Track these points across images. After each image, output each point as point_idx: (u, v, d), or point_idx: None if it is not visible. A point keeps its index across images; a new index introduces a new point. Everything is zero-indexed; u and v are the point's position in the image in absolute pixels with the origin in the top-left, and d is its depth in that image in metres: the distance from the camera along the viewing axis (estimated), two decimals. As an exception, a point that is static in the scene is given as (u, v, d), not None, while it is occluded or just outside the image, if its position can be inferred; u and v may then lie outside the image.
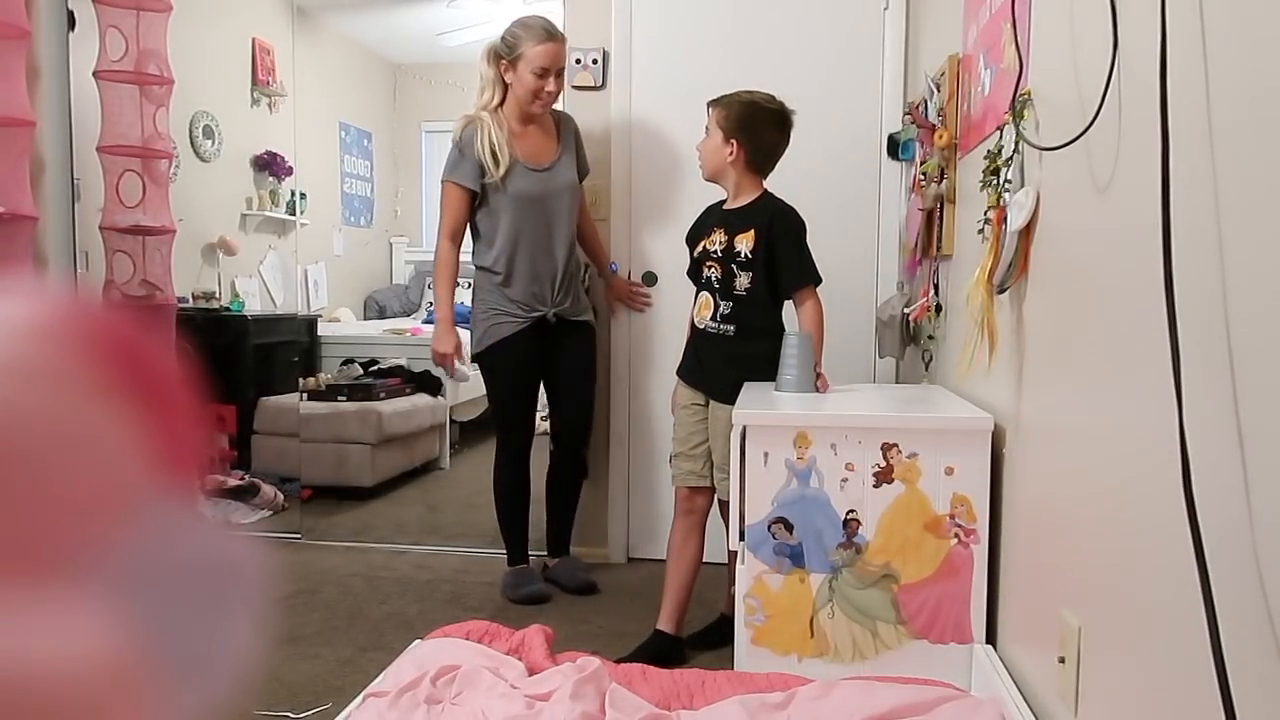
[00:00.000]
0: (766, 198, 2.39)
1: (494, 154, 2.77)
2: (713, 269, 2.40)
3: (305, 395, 4.24)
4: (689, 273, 2.54)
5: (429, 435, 4.61)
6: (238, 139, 4.73)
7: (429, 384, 4.54)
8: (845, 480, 1.90)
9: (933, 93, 2.57)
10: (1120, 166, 1.26)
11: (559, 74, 2.80)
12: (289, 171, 4.92)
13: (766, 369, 2.27)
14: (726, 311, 2.38)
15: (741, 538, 1.96)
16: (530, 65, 2.74)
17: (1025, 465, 1.72)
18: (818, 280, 2.37)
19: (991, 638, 1.88)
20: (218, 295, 4.50)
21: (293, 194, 4.98)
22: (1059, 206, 1.53)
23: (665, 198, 3.21)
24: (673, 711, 1.70)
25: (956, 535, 1.86)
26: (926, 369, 2.63)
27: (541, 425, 3.19)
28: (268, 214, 4.88)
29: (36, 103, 3.27)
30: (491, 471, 2.98)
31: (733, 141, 2.34)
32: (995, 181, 1.77)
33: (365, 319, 5.68)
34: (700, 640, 2.51)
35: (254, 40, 4.77)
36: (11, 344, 0.29)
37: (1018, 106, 1.66)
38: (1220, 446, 0.95)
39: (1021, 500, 1.74)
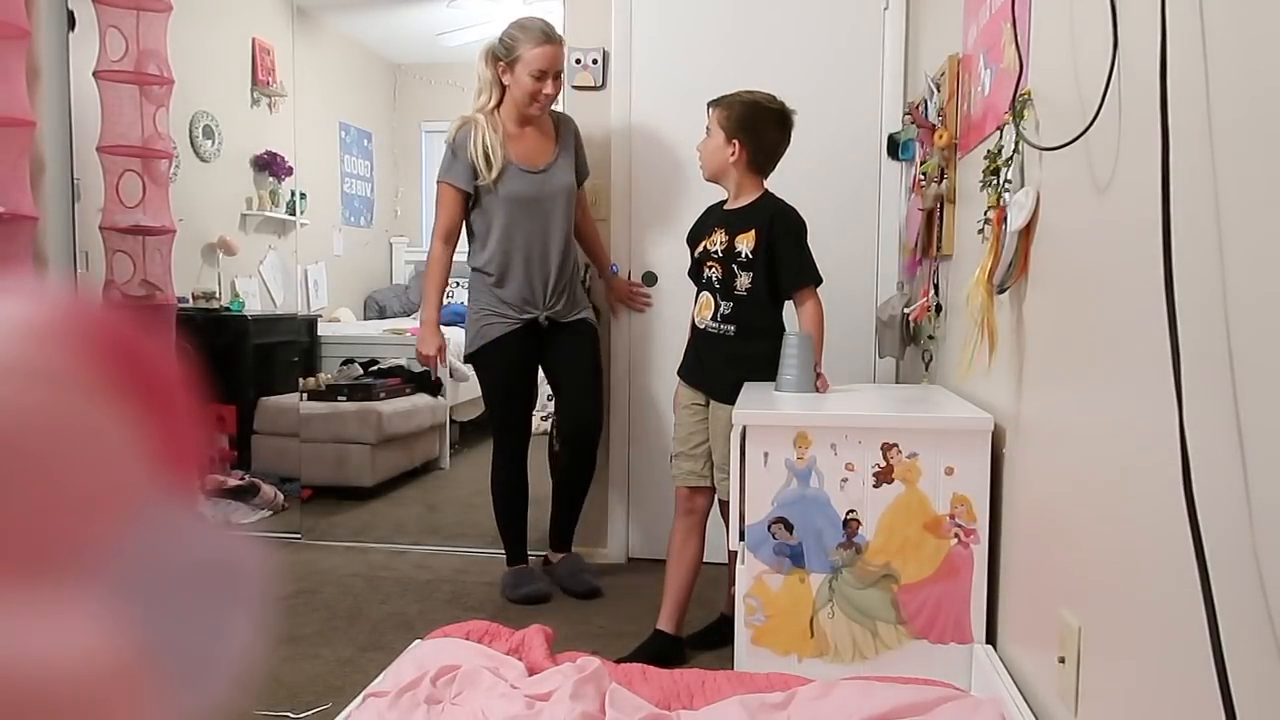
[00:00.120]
0: (767, 198, 2.39)
1: (486, 156, 2.77)
2: (713, 269, 2.40)
3: (305, 395, 4.24)
4: (690, 273, 2.54)
5: (429, 435, 4.61)
6: (238, 139, 4.73)
7: (429, 384, 4.54)
8: (845, 480, 1.90)
9: (933, 93, 2.57)
10: (1120, 166, 1.26)
11: (557, 76, 2.80)
12: (289, 171, 4.92)
13: (767, 369, 2.27)
14: (727, 311, 2.38)
15: (741, 538, 1.96)
16: (528, 68, 2.73)
17: (1025, 465, 1.72)
18: (818, 280, 2.37)
19: (991, 638, 1.88)
20: (218, 295, 4.50)
21: (293, 194, 4.98)
22: (1059, 206, 1.53)
23: (665, 198, 3.21)
24: (673, 711, 1.70)
25: (956, 535, 1.86)
26: (926, 369, 2.63)
27: (541, 425, 3.20)
28: (268, 214, 4.88)
29: (36, 103, 3.27)
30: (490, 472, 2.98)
31: (734, 142, 2.34)
32: (995, 181, 1.77)
33: (365, 319, 5.69)
34: (700, 640, 2.51)
35: (254, 40, 4.77)
36: (11, 344, 0.29)
37: (1018, 106, 1.66)
38: (1220, 446, 0.95)
39: (1021, 500, 1.74)
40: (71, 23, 3.49)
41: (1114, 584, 1.27)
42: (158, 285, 3.61)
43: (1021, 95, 1.66)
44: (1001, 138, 1.79)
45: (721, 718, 1.65)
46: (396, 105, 6.05)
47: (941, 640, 1.88)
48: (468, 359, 2.95)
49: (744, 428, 1.94)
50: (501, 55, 2.78)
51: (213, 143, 4.59)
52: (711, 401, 2.40)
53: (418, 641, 1.98)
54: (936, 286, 2.51)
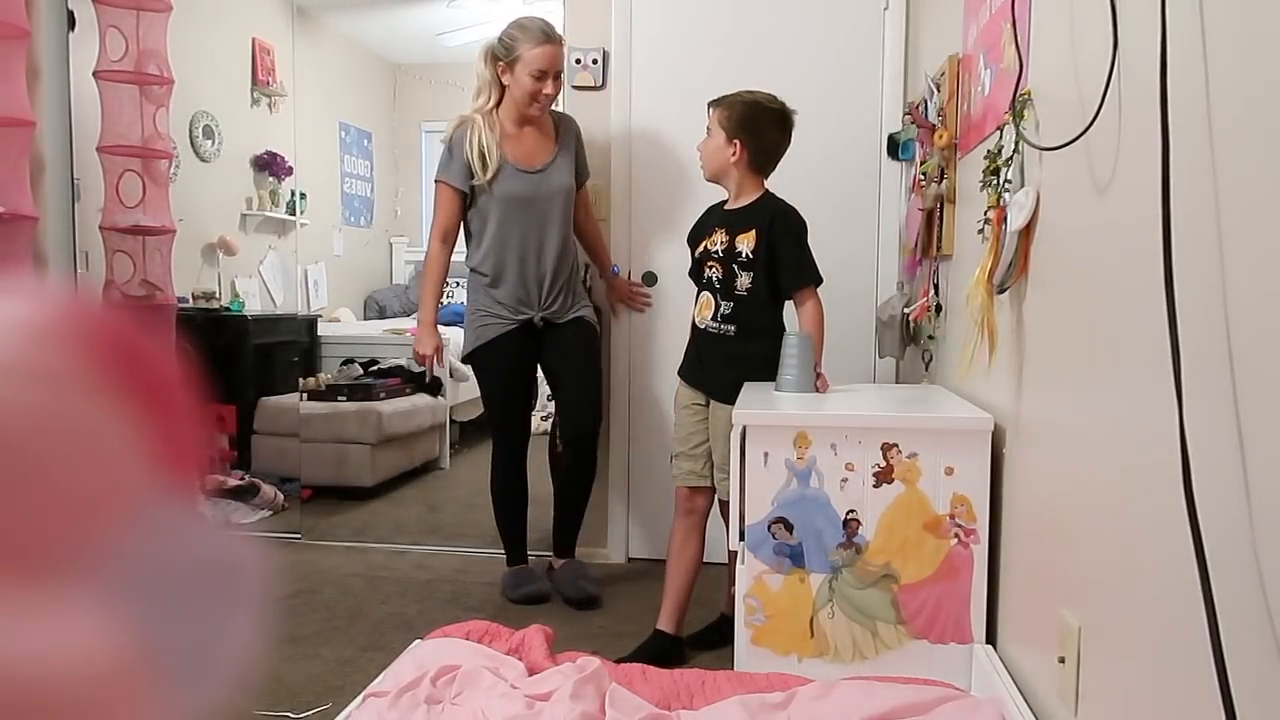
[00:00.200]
0: (768, 198, 2.39)
1: (482, 156, 2.75)
2: (714, 269, 2.40)
3: (305, 395, 4.24)
4: (690, 273, 2.54)
5: (429, 435, 4.61)
6: (238, 139, 4.73)
7: (429, 384, 4.54)
8: (845, 480, 1.90)
9: (933, 93, 2.57)
10: (1120, 166, 1.26)
11: (557, 76, 2.78)
12: (289, 171, 4.92)
13: (767, 369, 2.27)
14: (727, 311, 2.38)
15: (741, 538, 1.96)
16: (528, 68, 2.72)
17: (1025, 465, 1.72)
18: (818, 280, 2.37)
19: (991, 638, 1.88)
20: (218, 295, 4.50)
21: (293, 194, 4.98)
22: (1059, 206, 1.53)
23: (665, 198, 3.21)
24: (673, 711, 1.70)
25: (956, 535, 1.86)
26: (926, 369, 2.63)
27: (541, 425, 3.19)
28: (268, 214, 4.88)
29: (36, 103, 3.27)
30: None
31: (735, 142, 2.34)
32: (995, 181, 1.77)
33: (365, 319, 5.69)
34: (700, 640, 2.51)
35: (254, 40, 4.77)
36: (11, 344, 0.29)
37: (1018, 106, 1.66)
38: (1220, 446, 0.95)
39: (1021, 500, 1.74)
40: (71, 23, 3.49)
41: (1114, 584, 1.27)
42: (158, 285, 3.61)
43: (1021, 95, 1.66)
44: (1001, 138, 1.79)
45: (721, 718, 1.65)
46: (396, 105, 6.05)
47: (941, 640, 1.88)
48: (465, 359, 2.94)
49: (744, 428, 1.94)
50: (501, 55, 2.76)
51: (213, 143, 4.59)
52: (711, 401, 2.40)
53: (418, 641, 1.98)
54: (936, 286, 2.51)
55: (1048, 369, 1.60)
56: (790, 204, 2.39)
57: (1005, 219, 1.70)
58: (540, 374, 3.03)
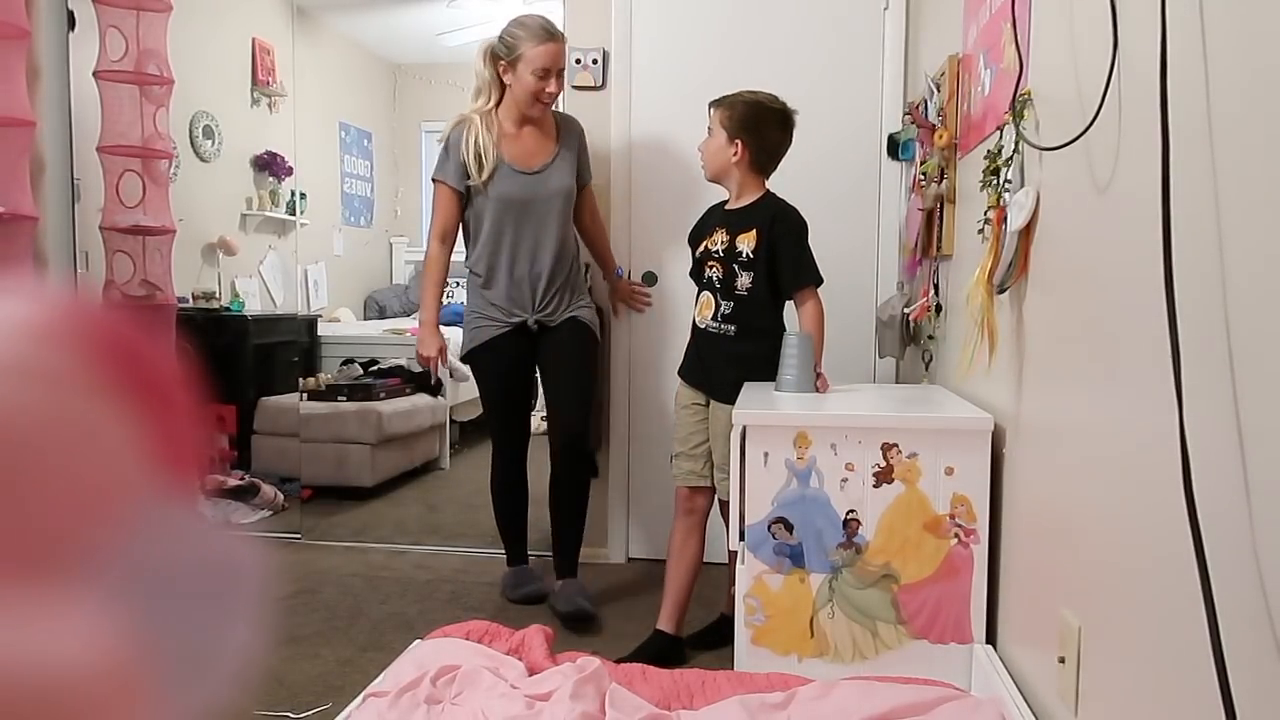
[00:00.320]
0: (769, 198, 2.39)
1: (478, 156, 2.72)
2: (714, 269, 2.40)
3: (305, 395, 4.24)
4: (691, 273, 2.54)
5: (429, 435, 4.61)
6: (238, 139, 4.73)
7: (429, 384, 4.54)
8: (845, 480, 1.90)
9: (933, 93, 2.57)
10: (1120, 166, 1.26)
11: (559, 74, 2.75)
12: (289, 171, 4.92)
13: (767, 369, 2.27)
14: (728, 311, 2.38)
15: (741, 538, 1.96)
16: (530, 66, 2.68)
17: (1025, 465, 1.72)
18: (819, 281, 2.37)
19: (991, 638, 1.88)
20: (218, 295, 4.50)
21: (293, 194, 4.98)
22: (1059, 206, 1.53)
23: (665, 198, 3.21)
24: (673, 711, 1.70)
25: (956, 535, 1.86)
26: (926, 369, 2.63)
27: (541, 425, 3.19)
28: (268, 214, 4.88)
29: (36, 103, 3.27)
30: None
31: (737, 142, 2.34)
32: (995, 181, 1.77)
33: (365, 319, 5.69)
34: (700, 640, 2.51)
35: (254, 40, 4.77)
36: (11, 344, 0.29)
37: (1018, 106, 1.66)
38: (1220, 446, 0.95)
39: (1021, 500, 1.74)
40: (71, 23, 3.50)
41: (1114, 584, 1.27)
42: (158, 285, 3.61)
43: (1021, 95, 1.66)
44: (1001, 138, 1.79)
45: (721, 718, 1.65)
46: (396, 105, 6.05)
47: (941, 640, 1.88)
48: (463, 359, 2.93)
49: (744, 428, 1.94)
50: (503, 54, 2.73)
51: (213, 143, 4.59)
52: (711, 401, 2.40)
53: (418, 641, 1.98)
54: (936, 286, 2.51)
55: (1048, 369, 1.60)
56: (791, 204, 2.39)
57: (1005, 219, 1.70)
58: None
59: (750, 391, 2.18)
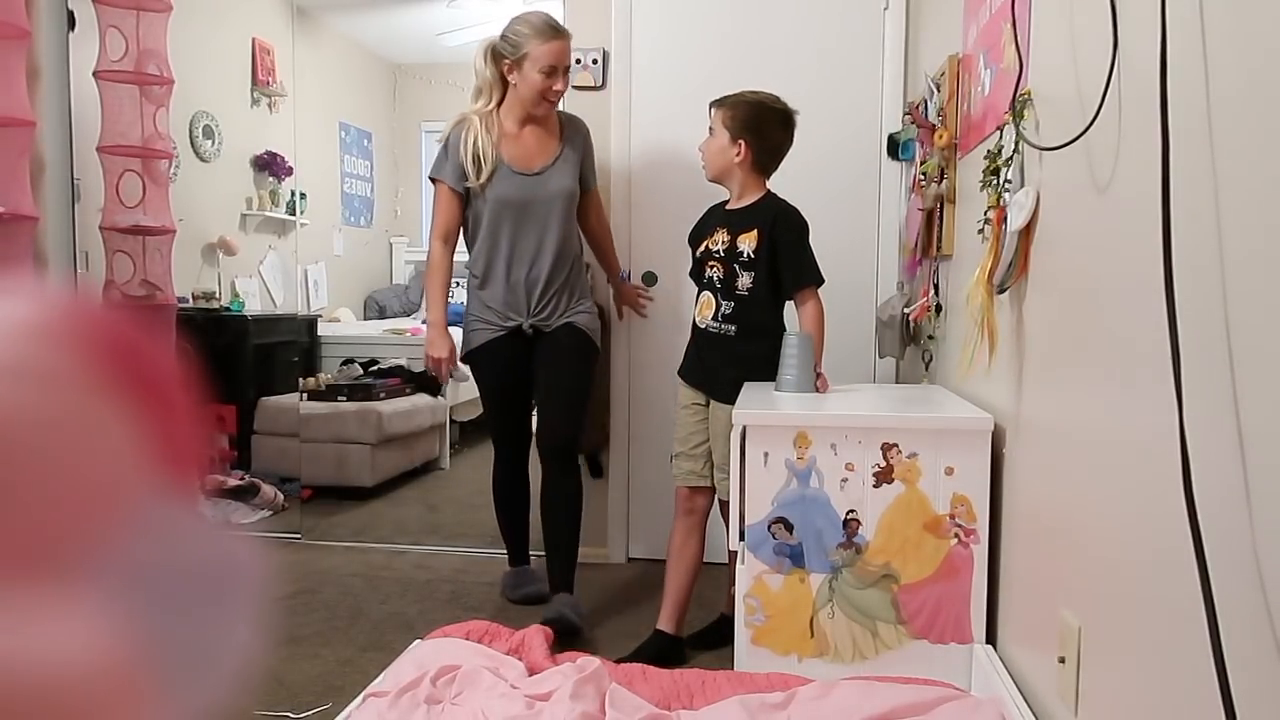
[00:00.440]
0: (770, 198, 2.40)
1: (476, 158, 2.65)
2: (715, 269, 2.40)
3: (305, 395, 4.24)
4: (691, 273, 2.54)
5: (429, 435, 4.61)
6: (238, 139, 4.73)
7: (429, 384, 4.54)
8: (845, 480, 1.90)
9: (933, 93, 2.57)
10: (1120, 166, 1.26)
11: (566, 72, 2.70)
12: (289, 171, 4.92)
13: (767, 369, 2.27)
14: (728, 311, 2.38)
15: (741, 538, 1.96)
16: (537, 64, 2.62)
17: (1025, 465, 1.72)
18: (820, 281, 2.37)
19: (991, 638, 1.88)
20: (218, 295, 4.50)
21: (293, 194, 4.98)
22: (1059, 206, 1.53)
23: (665, 197, 3.21)
24: (673, 711, 1.70)
25: (956, 535, 1.86)
26: (926, 369, 2.63)
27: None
28: (268, 214, 4.88)
29: (36, 103, 3.27)
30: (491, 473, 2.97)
31: (740, 142, 2.34)
32: (995, 181, 1.77)
33: (365, 319, 5.69)
34: (700, 640, 2.51)
35: (254, 40, 4.77)
36: (12, 344, 0.29)
37: (1018, 106, 1.66)
38: (1220, 446, 0.95)
39: (1021, 500, 1.74)
40: (71, 23, 3.50)
41: (1114, 584, 1.27)
42: (158, 285, 3.61)
43: (1021, 95, 1.66)
44: (1001, 138, 1.79)
45: (721, 718, 1.65)
46: (396, 105, 6.05)
47: (941, 640, 1.88)
48: (463, 360, 2.91)
49: (744, 428, 1.94)
50: (507, 52, 2.66)
51: (213, 143, 4.59)
52: (711, 401, 2.40)
53: (418, 641, 1.98)
54: (936, 286, 2.51)
55: (1048, 369, 1.60)
56: (792, 204, 2.39)
57: (1005, 219, 1.70)
58: None
59: (750, 391, 2.18)
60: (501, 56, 2.68)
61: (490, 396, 2.87)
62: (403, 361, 4.63)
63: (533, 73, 2.63)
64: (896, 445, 1.88)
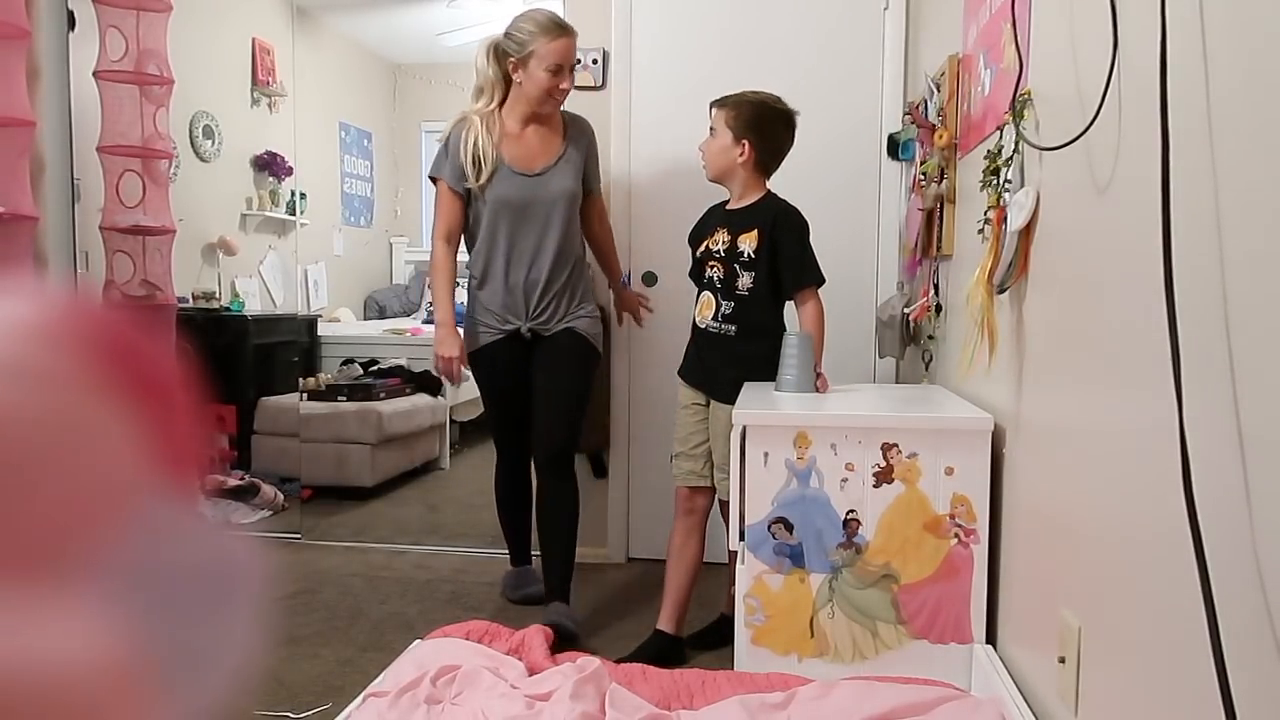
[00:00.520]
0: (770, 198, 2.40)
1: (476, 158, 2.59)
2: (715, 269, 2.40)
3: (305, 395, 4.24)
4: (691, 273, 2.54)
5: (429, 435, 4.61)
6: (238, 139, 4.73)
7: (429, 384, 4.54)
8: (845, 480, 1.90)
9: (933, 93, 2.57)
10: (1120, 166, 1.26)
11: (572, 70, 2.65)
12: (289, 171, 4.92)
13: (767, 369, 2.27)
14: (728, 311, 2.38)
15: (741, 538, 1.96)
16: (543, 62, 2.57)
17: (1025, 465, 1.72)
18: (820, 281, 2.37)
19: (991, 638, 1.88)
20: (218, 295, 4.50)
21: (293, 194, 4.98)
22: (1059, 206, 1.53)
23: (665, 198, 3.21)
24: (673, 711, 1.70)
25: (956, 535, 1.86)
26: (926, 369, 2.63)
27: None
28: (268, 214, 4.88)
29: (36, 103, 3.27)
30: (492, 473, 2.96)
31: (744, 142, 2.34)
32: (995, 181, 1.77)
33: (365, 319, 5.69)
34: (700, 640, 2.51)
35: (254, 40, 4.77)
36: (11, 344, 0.29)
37: (1018, 106, 1.66)
38: (1220, 446, 0.95)
39: (1021, 500, 1.74)
40: (71, 23, 3.50)
41: (1114, 584, 1.27)
42: (158, 285, 3.61)
43: (1021, 95, 1.66)
44: (1001, 138, 1.79)
45: (721, 718, 1.65)
46: (396, 105, 6.05)
47: (941, 640, 1.88)
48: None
49: (744, 428, 1.94)
50: (513, 51, 2.60)
51: (213, 143, 4.59)
52: (712, 401, 2.41)
53: (418, 641, 1.98)
54: (936, 286, 2.51)
55: (1048, 369, 1.60)
56: (792, 204, 2.39)
57: (1005, 219, 1.70)
58: None
59: (750, 391, 2.18)
60: (506, 55, 2.63)
61: (490, 399, 2.84)
62: (403, 361, 4.63)
63: (539, 71, 2.58)
64: (896, 445, 1.88)
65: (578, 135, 2.76)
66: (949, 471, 1.86)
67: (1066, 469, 1.48)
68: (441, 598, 2.91)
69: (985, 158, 1.81)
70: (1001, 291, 1.76)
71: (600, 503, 3.27)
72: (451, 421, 4.73)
